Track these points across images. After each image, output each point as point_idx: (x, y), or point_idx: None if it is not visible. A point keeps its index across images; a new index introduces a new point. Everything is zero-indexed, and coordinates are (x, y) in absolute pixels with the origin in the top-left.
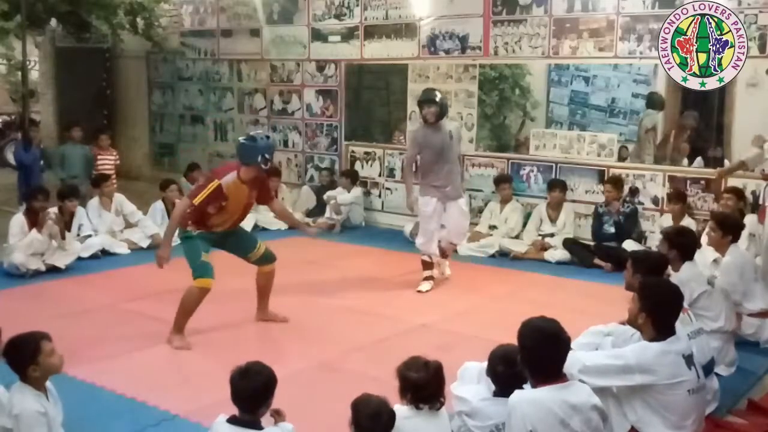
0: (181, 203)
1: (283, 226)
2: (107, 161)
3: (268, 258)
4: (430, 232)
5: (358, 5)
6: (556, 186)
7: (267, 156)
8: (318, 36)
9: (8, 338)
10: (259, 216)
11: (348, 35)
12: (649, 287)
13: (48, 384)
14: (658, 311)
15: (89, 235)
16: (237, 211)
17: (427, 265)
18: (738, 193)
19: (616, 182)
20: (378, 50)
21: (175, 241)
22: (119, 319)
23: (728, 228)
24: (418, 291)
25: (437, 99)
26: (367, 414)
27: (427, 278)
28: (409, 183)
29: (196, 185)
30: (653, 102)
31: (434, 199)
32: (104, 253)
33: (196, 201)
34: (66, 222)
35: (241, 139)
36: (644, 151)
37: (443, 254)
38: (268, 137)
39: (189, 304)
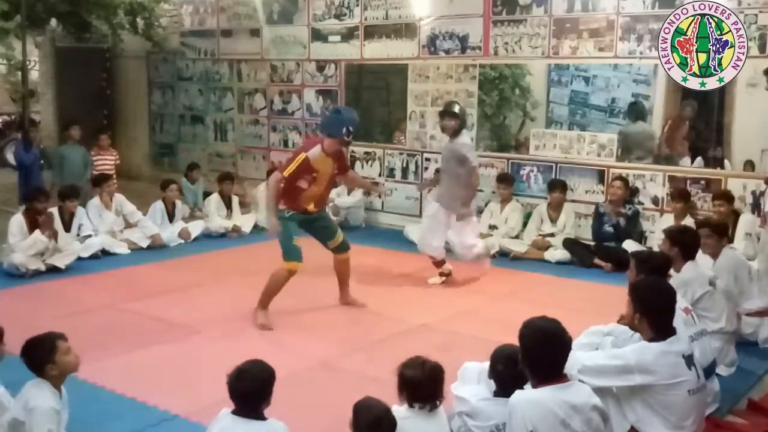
0: (272, 177)
1: None
2: (107, 161)
3: (344, 246)
4: (426, 230)
5: (358, 5)
6: (557, 186)
7: (351, 128)
8: (318, 36)
9: (26, 339)
10: (259, 216)
11: (348, 35)
12: (640, 288)
13: (62, 388)
14: (653, 311)
15: (89, 235)
16: (324, 184)
17: (438, 264)
18: (729, 197)
19: (626, 180)
20: (378, 50)
21: (176, 240)
22: (119, 319)
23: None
24: (441, 280)
25: (455, 111)
26: (367, 421)
27: (441, 274)
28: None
29: (286, 160)
30: (634, 112)
31: (438, 203)
32: (104, 253)
33: (287, 173)
34: (66, 222)
35: (327, 111)
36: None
37: (475, 260)
38: (352, 111)
39: (276, 283)
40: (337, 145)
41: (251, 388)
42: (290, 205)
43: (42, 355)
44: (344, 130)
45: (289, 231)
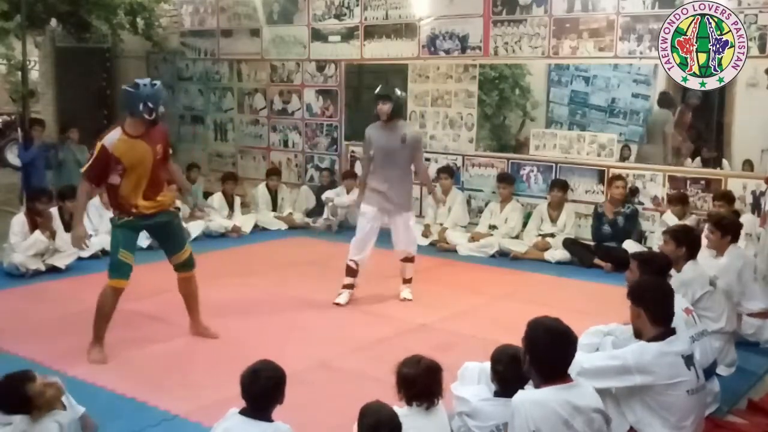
0: (81, 181)
1: (284, 226)
2: None
3: (187, 264)
4: (362, 239)
5: (358, 5)
6: (557, 186)
7: (150, 105)
8: (318, 36)
9: None
10: (259, 216)
11: (348, 35)
12: (637, 286)
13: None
14: (651, 306)
15: (89, 235)
16: (145, 174)
17: (350, 272)
18: (729, 198)
19: (625, 180)
20: (378, 50)
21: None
22: (119, 319)
23: (726, 229)
24: (335, 303)
25: (392, 96)
26: (368, 424)
27: (346, 286)
28: (361, 181)
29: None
30: (665, 101)
31: (374, 208)
32: (104, 253)
33: (84, 170)
34: (66, 222)
35: (124, 86)
36: (656, 151)
37: (403, 279)
38: (154, 84)
39: (105, 306)
40: (141, 124)
41: (265, 389)
42: (118, 206)
43: (20, 408)
44: (141, 106)
45: (117, 242)
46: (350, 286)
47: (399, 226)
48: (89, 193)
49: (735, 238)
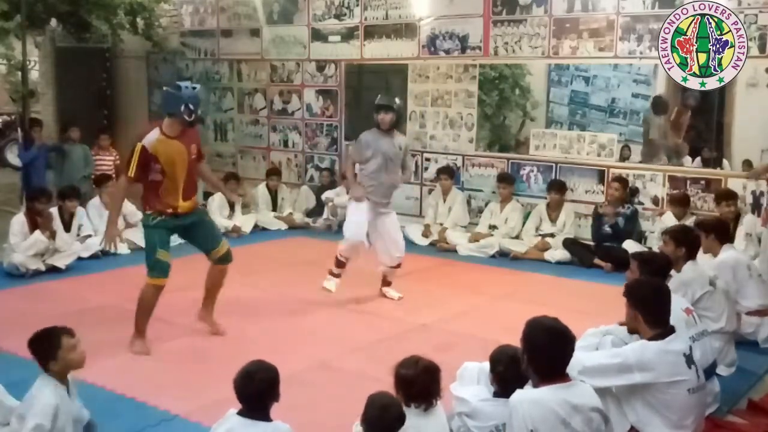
0: (119, 181)
1: (284, 226)
2: (105, 161)
3: (226, 258)
4: (354, 227)
5: (358, 5)
6: (554, 188)
7: (191, 107)
8: (318, 36)
9: (34, 332)
10: (259, 216)
11: (348, 35)
12: (632, 287)
13: (71, 379)
14: (645, 306)
15: (89, 235)
16: (182, 174)
17: (341, 264)
18: (735, 197)
19: (624, 182)
20: (378, 50)
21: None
22: (119, 319)
23: (709, 230)
24: (324, 288)
25: (394, 106)
26: (373, 414)
27: (335, 274)
28: (351, 178)
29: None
30: (658, 106)
31: (368, 206)
32: (104, 253)
33: (131, 173)
34: (66, 222)
35: (166, 87)
36: (654, 154)
37: (386, 282)
38: (195, 87)
39: (146, 302)
40: (179, 125)
41: (259, 390)
42: (154, 206)
43: (45, 351)
44: (183, 107)
45: (153, 243)
46: (338, 276)
47: (388, 226)
48: (125, 194)
49: (724, 238)
